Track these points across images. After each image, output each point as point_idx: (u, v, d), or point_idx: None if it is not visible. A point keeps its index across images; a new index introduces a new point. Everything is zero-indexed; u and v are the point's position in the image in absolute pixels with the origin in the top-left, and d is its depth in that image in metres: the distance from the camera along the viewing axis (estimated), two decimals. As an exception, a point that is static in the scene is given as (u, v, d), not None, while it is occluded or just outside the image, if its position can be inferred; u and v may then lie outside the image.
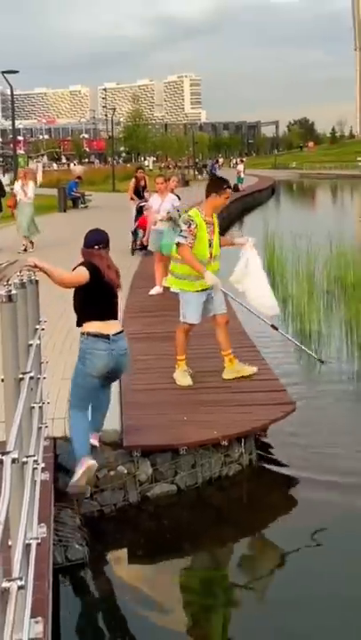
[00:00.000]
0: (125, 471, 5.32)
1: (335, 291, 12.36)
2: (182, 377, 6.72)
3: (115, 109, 57.91)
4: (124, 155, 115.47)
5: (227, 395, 6.43)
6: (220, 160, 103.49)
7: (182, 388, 6.55)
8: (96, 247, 4.88)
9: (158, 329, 8.63)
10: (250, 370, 6.78)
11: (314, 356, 7.49)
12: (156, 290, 10.50)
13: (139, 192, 15.02)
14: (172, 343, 7.76)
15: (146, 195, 14.44)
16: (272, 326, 7.49)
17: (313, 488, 5.67)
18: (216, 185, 6.64)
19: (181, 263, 6.58)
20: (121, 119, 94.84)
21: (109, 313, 4.82)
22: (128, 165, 78.52)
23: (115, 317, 4.86)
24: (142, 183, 15.17)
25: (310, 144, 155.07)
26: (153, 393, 6.46)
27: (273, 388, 6.58)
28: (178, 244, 6.51)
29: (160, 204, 10.52)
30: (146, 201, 12.84)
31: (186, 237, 6.44)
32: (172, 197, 10.61)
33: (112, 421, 5.74)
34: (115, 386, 6.59)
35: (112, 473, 5.28)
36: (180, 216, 9.99)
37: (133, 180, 15.18)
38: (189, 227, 6.45)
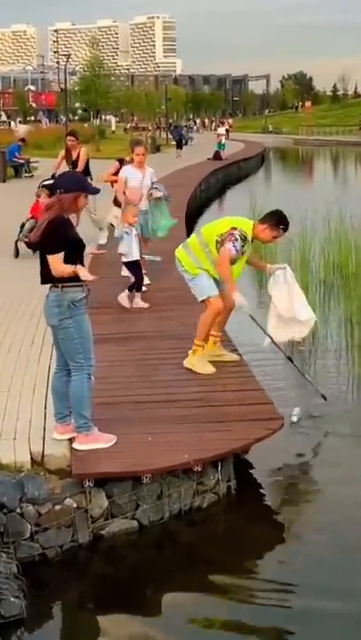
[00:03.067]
0: (74, 505, 5.28)
1: (334, 281, 12.42)
2: (203, 364, 7.23)
3: (69, 56, 57.74)
4: (79, 112, 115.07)
5: (200, 409, 6.44)
6: (197, 121, 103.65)
7: (145, 402, 6.54)
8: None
9: (116, 329, 8.62)
10: (231, 357, 7.54)
11: (321, 394, 7.59)
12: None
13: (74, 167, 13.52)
14: (133, 346, 7.76)
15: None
16: (288, 358, 7.76)
17: (303, 522, 5.68)
18: (275, 218, 7.26)
19: (211, 263, 7.17)
20: (77, 68, 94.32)
21: None
22: (85, 125, 78.25)
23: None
24: (75, 155, 13.61)
25: (307, 104, 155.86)
26: (109, 408, 6.43)
27: (257, 400, 6.62)
28: (224, 250, 7.04)
29: (141, 179, 10.37)
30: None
31: (237, 251, 7.06)
32: (150, 171, 10.56)
33: (58, 444, 5.70)
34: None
35: (58, 507, 5.23)
36: (166, 199, 10.28)
37: (116, 163, 12.66)
38: (243, 243, 7.10)
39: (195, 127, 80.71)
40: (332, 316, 10.93)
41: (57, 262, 5.48)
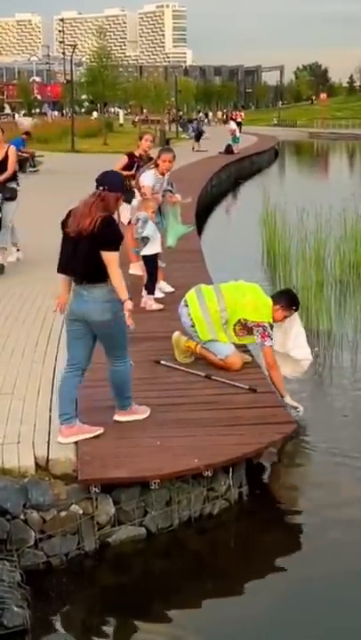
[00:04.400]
0: (80, 511, 5.29)
1: (350, 280, 12.43)
2: None
3: (75, 46, 57.80)
4: (86, 104, 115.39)
5: (210, 412, 6.44)
6: (210, 114, 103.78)
7: (154, 405, 6.54)
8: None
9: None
10: (244, 357, 7.54)
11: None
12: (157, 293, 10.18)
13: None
14: (141, 347, 7.79)
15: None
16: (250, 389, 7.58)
17: (318, 529, 5.68)
18: (287, 299, 7.52)
19: (227, 336, 7.41)
20: (83, 59, 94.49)
21: None
22: (92, 118, 78.43)
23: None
24: (1, 155, 11.72)
25: (322, 96, 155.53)
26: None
27: (269, 403, 6.62)
28: (266, 351, 7.21)
29: (162, 184, 10.16)
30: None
31: (272, 339, 7.23)
32: (167, 175, 10.30)
33: (64, 448, 5.71)
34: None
35: (63, 514, 5.24)
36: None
37: (125, 157, 11.69)
38: (272, 331, 7.26)
39: (205, 120, 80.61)
40: (347, 315, 10.93)
41: (115, 260, 5.74)
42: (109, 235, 5.72)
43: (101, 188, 5.80)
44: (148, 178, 9.97)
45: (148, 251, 9.53)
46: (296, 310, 7.57)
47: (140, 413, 6.27)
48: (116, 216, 9.93)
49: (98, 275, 5.76)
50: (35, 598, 4.74)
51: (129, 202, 10.36)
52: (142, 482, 5.45)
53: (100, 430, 5.97)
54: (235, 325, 7.37)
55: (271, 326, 7.29)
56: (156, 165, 10.02)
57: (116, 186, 5.85)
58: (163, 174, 9.95)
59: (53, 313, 7.19)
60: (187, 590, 5.15)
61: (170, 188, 10.24)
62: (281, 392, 7.17)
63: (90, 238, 5.68)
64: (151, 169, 10.07)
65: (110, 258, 5.70)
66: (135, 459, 5.62)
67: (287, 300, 7.50)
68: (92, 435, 5.90)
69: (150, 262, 9.58)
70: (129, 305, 5.76)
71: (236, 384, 6.99)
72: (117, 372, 6.14)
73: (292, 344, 7.47)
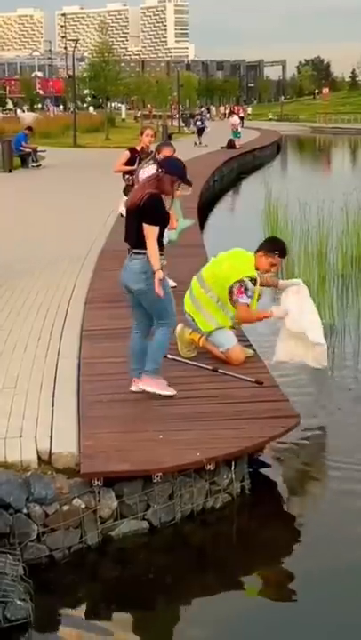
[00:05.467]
0: (83, 505, 5.29)
1: (353, 274, 12.42)
2: None
3: (77, 41, 57.56)
4: (88, 99, 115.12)
5: (213, 406, 6.45)
6: (213, 109, 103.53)
7: (157, 398, 6.55)
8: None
9: (128, 323, 8.54)
10: (246, 352, 7.47)
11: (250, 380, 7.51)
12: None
13: None
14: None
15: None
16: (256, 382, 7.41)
17: (323, 523, 5.69)
18: (267, 244, 7.51)
19: (227, 316, 7.37)
20: (85, 54, 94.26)
21: None
22: (94, 113, 78.31)
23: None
24: None
25: (325, 90, 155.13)
26: (120, 405, 6.47)
27: (272, 397, 6.63)
28: (240, 308, 7.23)
29: None
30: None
31: (250, 297, 7.25)
32: None
33: (66, 442, 5.72)
34: (71, 395, 6.61)
35: (66, 508, 5.25)
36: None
37: (127, 152, 11.64)
38: (254, 285, 7.25)
39: (208, 115, 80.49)
40: (350, 310, 10.92)
41: (152, 234, 6.22)
42: (150, 209, 6.24)
43: (160, 169, 6.35)
44: (147, 174, 9.96)
45: None
46: (281, 256, 7.48)
47: (163, 389, 6.52)
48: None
49: (139, 246, 6.29)
50: (37, 592, 4.73)
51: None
52: (145, 475, 5.45)
53: (172, 392, 6.50)
54: (231, 297, 7.31)
55: (254, 281, 7.21)
56: (156, 160, 10.01)
57: (172, 169, 6.36)
58: None
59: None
60: (189, 584, 5.16)
61: None
62: (260, 318, 7.37)
63: (137, 211, 6.28)
64: (151, 164, 10.07)
65: (148, 230, 6.22)
66: (138, 452, 5.62)
67: (268, 245, 7.46)
68: (163, 392, 6.48)
69: None
70: (160, 274, 6.19)
71: (242, 377, 6.99)
72: (157, 336, 6.52)
73: (307, 323, 7.25)
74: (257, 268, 7.35)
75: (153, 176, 6.39)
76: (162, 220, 6.32)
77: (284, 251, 7.55)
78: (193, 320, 7.47)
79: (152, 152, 10.41)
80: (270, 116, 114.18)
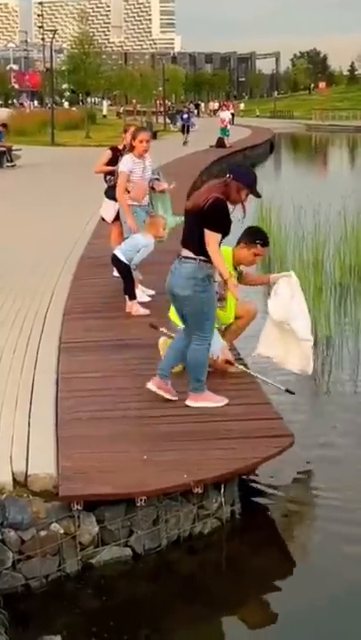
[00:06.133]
0: (62, 531, 5.31)
1: (351, 284, 12.47)
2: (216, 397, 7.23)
3: (55, 31, 57.86)
4: (67, 94, 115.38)
5: (201, 424, 6.48)
6: (201, 105, 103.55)
7: (140, 417, 6.59)
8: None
9: (107, 336, 8.67)
10: (236, 368, 7.46)
11: (286, 389, 7.54)
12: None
13: None
14: (126, 355, 7.83)
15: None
16: (287, 391, 7.51)
17: (318, 550, 5.73)
18: (248, 234, 7.63)
19: None
20: (64, 45, 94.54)
21: None
22: (73, 109, 78.46)
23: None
24: None
25: (321, 85, 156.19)
26: (100, 423, 6.49)
27: (264, 415, 6.67)
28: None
29: (143, 170, 10.16)
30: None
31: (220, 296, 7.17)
32: (149, 160, 10.16)
33: (43, 462, 5.75)
34: (49, 413, 6.64)
35: (43, 533, 5.27)
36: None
37: (108, 151, 11.56)
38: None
39: (195, 111, 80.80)
40: (348, 322, 10.98)
41: (214, 241, 6.38)
42: (214, 213, 6.37)
43: (229, 175, 6.47)
44: (123, 163, 10.03)
45: (132, 261, 9.48)
46: (263, 245, 7.60)
47: (213, 400, 6.72)
48: (109, 212, 9.79)
49: (192, 249, 6.46)
50: (13, 623, 4.76)
51: (114, 198, 10.39)
52: (128, 499, 5.47)
53: (224, 401, 6.74)
54: None
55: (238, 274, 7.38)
56: (132, 148, 10.02)
57: (241, 176, 6.52)
58: (141, 156, 9.96)
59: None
60: (175, 615, 5.17)
61: (157, 176, 10.25)
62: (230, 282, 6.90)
63: (199, 214, 6.41)
64: (127, 154, 10.13)
65: (209, 236, 6.37)
66: (120, 474, 5.65)
67: (248, 236, 7.57)
68: (216, 404, 6.71)
69: (124, 265, 9.48)
70: (233, 281, 6.56)
71: (276, 385, 7.39)
72: (194, 350, 6.65)
73: (295, 312, 7.26)
74: (240, 262, 7.50)
75: (221, 182, 6.51)
76: (225, 227, 6.46)
77: (266, 239, 7.74)
78: (177, 326, 7.47)
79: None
80: (258, 113, 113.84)
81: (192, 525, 5.75)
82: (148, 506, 5.51)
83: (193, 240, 6.48)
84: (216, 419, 6.58)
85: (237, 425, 6.46)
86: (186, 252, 6.54)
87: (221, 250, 7.30)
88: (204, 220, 6.39)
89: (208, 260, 6.45)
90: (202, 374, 6.71)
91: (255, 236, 7.59)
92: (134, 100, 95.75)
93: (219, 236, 6.41)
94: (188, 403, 6.73)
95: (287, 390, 7.34)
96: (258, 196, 6.68)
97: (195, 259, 6.47)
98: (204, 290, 6.49)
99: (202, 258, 6.45)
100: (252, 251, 7.49)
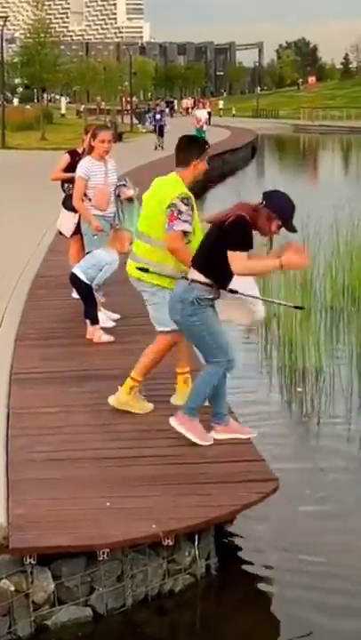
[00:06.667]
0: (12, 588, 5.32)
1: (344, 307, 12.52)
2: (138, 402, 7.51)
3: (6, 18, 57.98)
4: (20, 90, 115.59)
5: (173, 467, 6.52)
6: (174, 103, 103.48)
7: (103, 458, 6.62)
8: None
9: (65, 366, 8.70)
10: None
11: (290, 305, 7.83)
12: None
13: None
14: (87, 388, 7.84)
15: None
16: (296, 307, 8.24)
17: (302, 610, 5.76)
18: (196, 147, 7.37)
19: (164, 252, 7.18)
20: (17, 34, 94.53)
21: None
22: (27, 107, 78.62)
23: None
24: None
25: (311, 80, 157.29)
26: (58, 465, 6.52)
27: (244, 456, 6.70)
28: (175, 230, 7.07)
29: (105, 174, 10.07)
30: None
31: (190, 223, 7.13)
32: (112, 163, 10.22)
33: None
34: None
35: (-9, 590, 5.28)
36: (138, 199, 10.15)
37: (66, 156, 11.53)
38: (188, 207, 7.11)
39: (167, 110, 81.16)
40: (340, 349, 11.03)
41: (238, 260, 6.42)
42: (234, 229, 6.40)
43: (262, 201, 6.47)
44: (80, 166, 10.04)
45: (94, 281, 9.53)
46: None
47: (196, 434, 6.78)
48: (67, 225, 9.81)
49: (201, 269, 6.56)
50: None
51: (73, 209, 10.41)
52: (88, 552, 5.48)
53: (206, 441, 6.80)
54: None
55: (186, 200, 7.04)
56: (92, 150, 10.03)
57: (275, 205, 6.47)
58: (102, 158, 9.98)
59: None
60: None
61: (123, 182, 10.23)
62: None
63: (217, 230, 6.51)
64: (86, 156, 10.11)
65: (233, 258, 6.42)
66: (80, 523, 5.66)
67: (193, 148, 7.31)
68: (201, 442, 6.76)
69: (85, 286, 9.50)
70: (288, 259, 6.45)
71: (279, 302, 8.30)
72: (207, 374, 6.76)
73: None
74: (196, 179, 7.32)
75: (252, 205, 6.49)
76: (247, 245, 6.46)
77: (205, 148, 7.38)
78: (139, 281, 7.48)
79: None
80: (234, 112, 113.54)
81: (162, 582, 5.75)
82: (111, 560, 5.51)
83: (203, 259, 6.60)
84: (190, 460, 6.61)
85: (214, 467, 6.49)
86: (191, 273, 6.62)
87: (167, 179, 7.32)
88: (223, 238, 6.44)
89: (202, 282, 6.55)
90: (200, 398, 6.79)
91: (204, 144, 7.39)
92: (99, 98, 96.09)
93: (243, 254, 6.44)
94: (171, 420, 6.83)
95: (296, 307, 7.75)
96: (293, 230, 6.60)
97: (186, 278, 6.59)
98: (193, 313, 6.59)
99: (196, 279, 6.54)
100: (205, 161, 7.31)
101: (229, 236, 6.41)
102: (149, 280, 7.32)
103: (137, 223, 10.20)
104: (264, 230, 6.50)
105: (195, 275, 6.57)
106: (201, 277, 6.54)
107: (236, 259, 6.40)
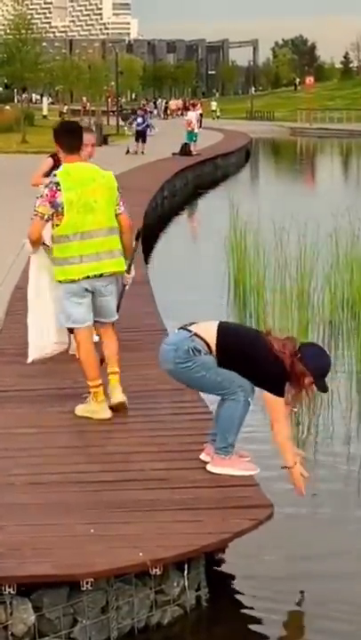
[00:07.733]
0: (-10, 619, 5.33)
1: (344, 321, 12.52)
2: (100, 408, 7.67)
3: (-15, 14, 58.01)
4: (0, 89, 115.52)
5: (161, 492, 6.52)
6: (161, 103, 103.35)
7: (86, 482, 6.63)
8: None
9: (48, 383, 8.71)
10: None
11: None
12: None
13: None
14: (68, 407, 7.86)
15: None
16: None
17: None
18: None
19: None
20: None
21: None
22: (7, 108, 78.66)
23: None
24: None
25: (309, 80, 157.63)
26: (38, 489, 6.52)
27: (237, 480, 6.70)
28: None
29: None
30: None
31: (53, 204, 7.96)
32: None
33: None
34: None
35: (-33, 622, 5.28)
36: None
37: (49, 159, 11.44)
38: (56, 184, 7.89)
39: (154, 111, 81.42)
40: (338, 366, 11.01)
41: (279, 407, 6.46)
42: (271, 378, 6.48)
43: (298, 353, 6.44)
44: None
45: None
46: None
47: (240, 468, 6.75)
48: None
49: (222, 338, 6.61)
50: None
51: None
52: (71, 581, 5.47)
53: (254, 471, 6.78)
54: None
55: (57, 185, 7.83)
56: None
57: (310, 357, 6.43)
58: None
59: None
60: None
61: None
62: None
63: (265, 349, 6.49)
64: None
65: (275, 404, 6.49)
66: (62, 551, 5.65)
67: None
68: (241, 473, 6.72)
69: None
70: (298, 471, 6.62)
71: None
72: (229, 407, 6.69)
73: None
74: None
75: (290, 354, 6.40)
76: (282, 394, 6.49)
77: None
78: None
79: None
80: (218, 114, 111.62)
81: (149, 614, 5.75)
82: (95, 590, 5.51)
83: (230, 338, 6.68)
84: (179, 484, 6.61)
85: (205, 492, 6.50)
86: (196, 328, 6.70)
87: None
88: (267, 383, 6.49)
89: (210, 348, 6.60)
90: (230, 433, 6.73)
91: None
92: (84, 98, 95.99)
93: (281, 401, 6.49)
94: (209, 467, 6.78)
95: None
96: (323, 390, 6.66)
97: (190, 331, 6.62)
98: (186, 360, 6.59)
99: (202, 336, 6.58)
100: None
101: (276, 382, 6.45)
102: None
103: None
104: (295, 384, 6.47)
105: (203, 333, 6.60)
106: (211, 340, 6.59)
107: (277, 406, 6.46)
